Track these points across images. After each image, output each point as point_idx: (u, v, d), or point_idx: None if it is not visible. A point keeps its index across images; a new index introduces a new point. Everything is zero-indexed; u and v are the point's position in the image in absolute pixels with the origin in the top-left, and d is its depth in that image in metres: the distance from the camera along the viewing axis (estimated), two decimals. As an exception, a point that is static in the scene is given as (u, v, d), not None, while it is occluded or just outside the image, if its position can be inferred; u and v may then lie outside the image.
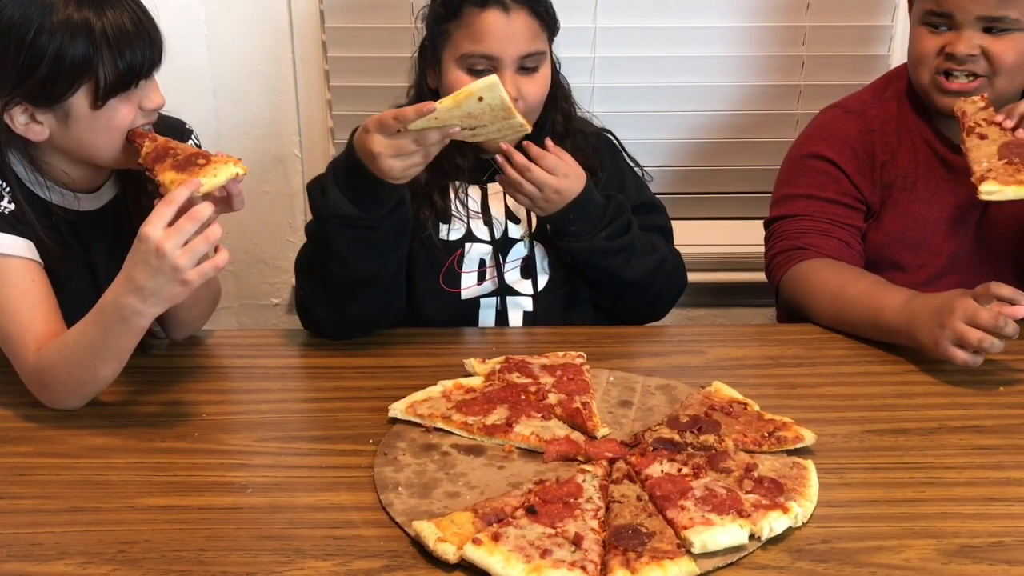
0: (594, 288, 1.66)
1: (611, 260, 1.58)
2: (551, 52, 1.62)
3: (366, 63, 2.08)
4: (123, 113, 1.32)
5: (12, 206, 1.35)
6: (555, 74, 1.64)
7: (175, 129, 1.49)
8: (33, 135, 1.33)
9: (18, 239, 1.35)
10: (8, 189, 1.36)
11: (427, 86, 1.62)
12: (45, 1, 1.26)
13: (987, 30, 1.55)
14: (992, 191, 1.39)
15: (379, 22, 2.05)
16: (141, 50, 1.30)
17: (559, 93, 1.65)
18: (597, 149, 1.67)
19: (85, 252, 1.45)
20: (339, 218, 1.41)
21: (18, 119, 1.31)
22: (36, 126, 1.32)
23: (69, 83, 1.28)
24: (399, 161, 1.35)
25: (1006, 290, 1.37)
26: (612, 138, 1.73)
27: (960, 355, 1.38)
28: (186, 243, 1.19)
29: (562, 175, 1.52)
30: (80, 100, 1.29)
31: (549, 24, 1.58)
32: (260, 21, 2.08)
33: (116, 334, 1.26)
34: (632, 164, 1.73)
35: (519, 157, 1.51)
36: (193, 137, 1.53)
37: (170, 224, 1.20)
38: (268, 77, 2.13)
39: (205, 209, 1.21)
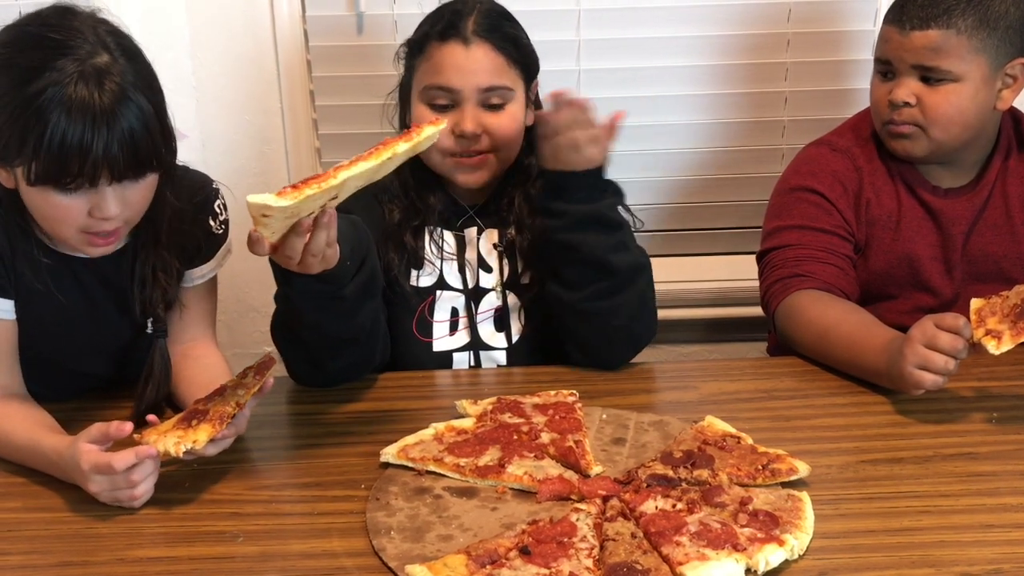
0: (568, 287, 1.53)
1: (603, 238, 1.51)
2: (529, 97, 1.61)
3: (354, 111, 2.09)
4: (58, 204, 1.26)
5: None
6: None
7: (198, 186, 1.47)
8: (2, 179, 1.31)
9: None
10: None
11: (404, 126, 1.63)
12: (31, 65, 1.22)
13: (924, 79, 1.60)
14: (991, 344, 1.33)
15: (366, 70, 2.07)
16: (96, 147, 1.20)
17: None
18: None
19: (80, 287, 1.42)
20: (301, 292, 1.37)
21: None
22: (3, 172, 1.30)
23: (13, 152, 1.23)
24: (292, 262, 1.27)
25: (949, 321, 1.36)
26: None
27: (927, 377, 1.36)
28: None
29: None
30: (20, 172, 1.26)
31: (521, 61, 1.58)
32: (248, 72, 2.10)
33: (42, 467, 1.30)
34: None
35: (576, 102, 1.48)
36: (219, 199, 1.49)
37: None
38: (257, 127, 2.14)
39: (145, 468, 1.21)
